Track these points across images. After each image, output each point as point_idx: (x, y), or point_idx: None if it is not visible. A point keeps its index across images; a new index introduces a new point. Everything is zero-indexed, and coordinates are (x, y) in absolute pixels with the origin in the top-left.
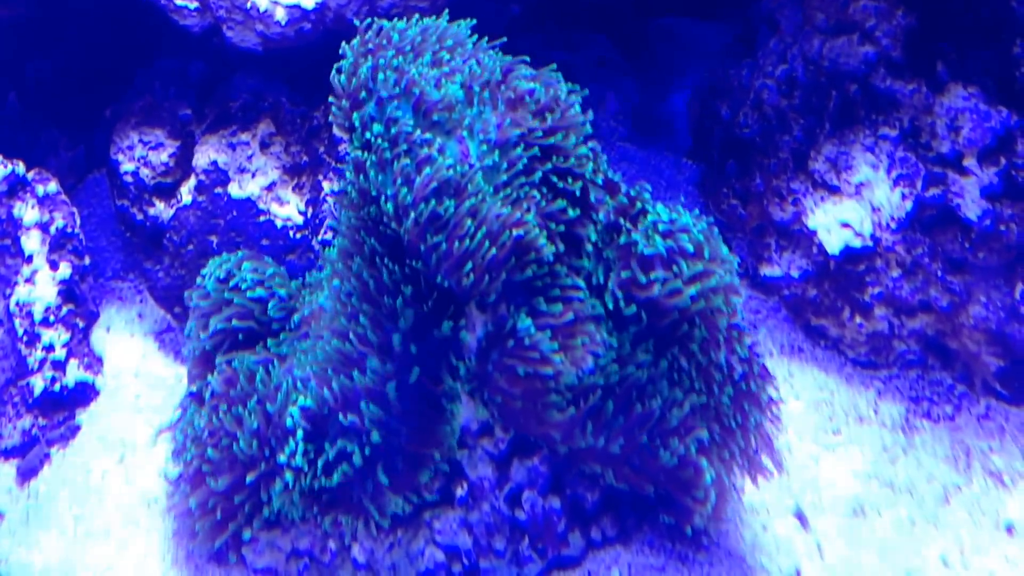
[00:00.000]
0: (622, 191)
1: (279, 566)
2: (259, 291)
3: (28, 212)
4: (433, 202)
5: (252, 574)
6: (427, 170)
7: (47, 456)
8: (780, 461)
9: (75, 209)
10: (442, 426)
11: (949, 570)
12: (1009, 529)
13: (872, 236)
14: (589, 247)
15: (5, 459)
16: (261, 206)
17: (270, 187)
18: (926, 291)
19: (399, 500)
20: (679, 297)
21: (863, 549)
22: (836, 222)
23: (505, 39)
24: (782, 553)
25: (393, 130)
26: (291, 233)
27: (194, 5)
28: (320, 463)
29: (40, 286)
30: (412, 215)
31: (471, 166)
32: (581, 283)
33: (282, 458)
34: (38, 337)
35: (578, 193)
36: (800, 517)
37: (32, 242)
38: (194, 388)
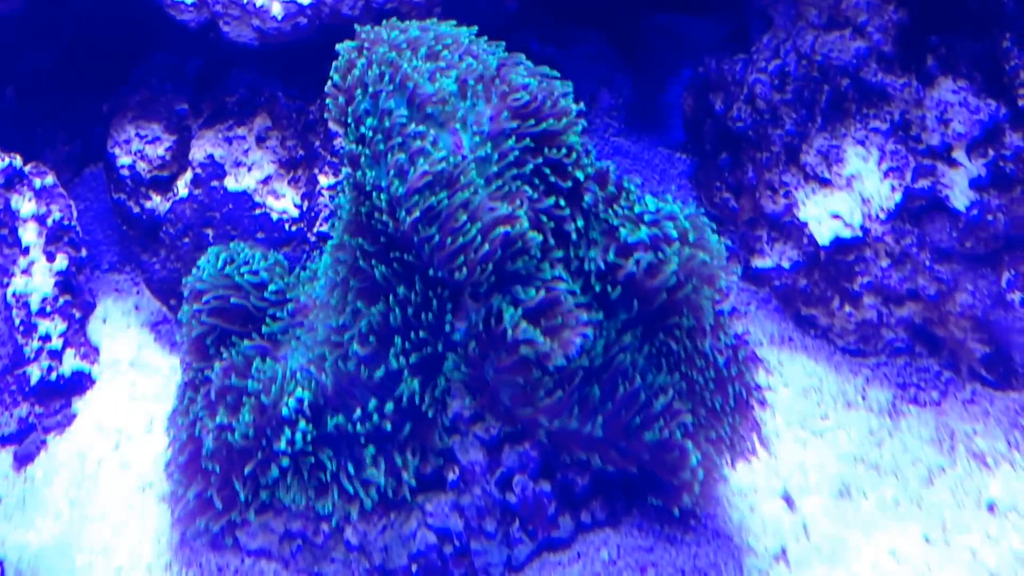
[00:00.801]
0: (611, 181)
1: (273, 548)
2: (255, 277)
3: (25, 204)
4: (427, 194)
5: (246, 556)
6: (420, 162)
7: (44, 443)
8: (765, 443)
9: (72, 202)
10: (435, 413)
11: (931, 547)
12: (991, 507)
13: (862, 227)
14: (576, 235)
15: (2, 446)
16: (257, 199)
17: (266, 180)
18: (914, 280)
19: (392, 483)
20: (661, 276)
21: (848, 528)
22: (827, 213)
23: (502, 35)
24: (769, 533)
25: (387, 123)
26: (286, 226)
27: (191, 0)
28: (315, 450)
29: (37, 277)
30: (405, 207)
31: (464, 158)
32: (564, 275)
33: (279, 447)
34: (35, 327)
35: (568, 183)
36: (787, 499)
37: (29, 234)
38: (189, 375)
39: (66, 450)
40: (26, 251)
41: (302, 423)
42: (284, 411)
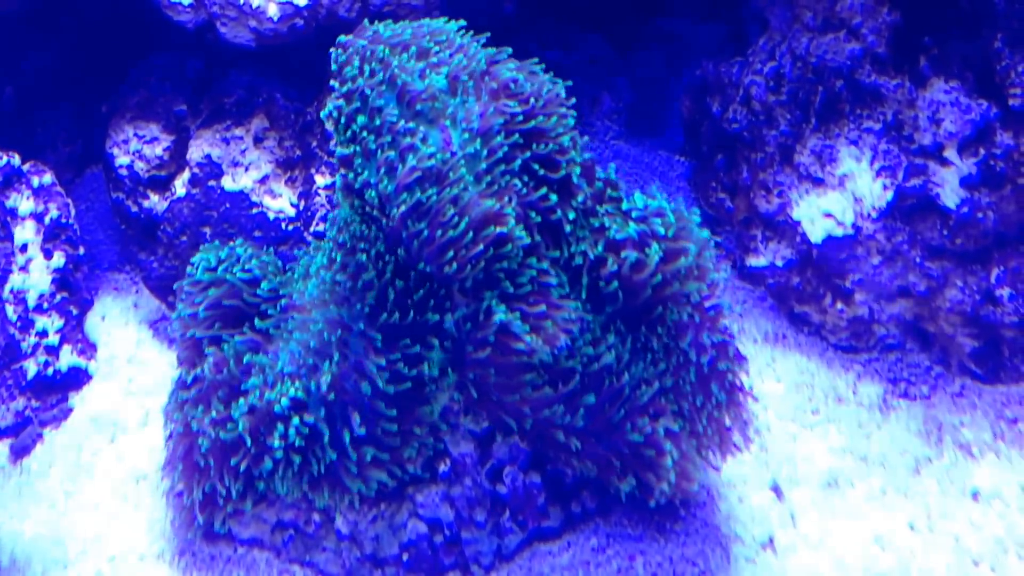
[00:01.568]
0: (599, 178)
1: (265, 537)
2: (248, 275)
3: (23, 202)
4: (416, 190)
5: (239, 545)
6: (410, 158)
7: (40, 436)
8: (750, 436)
9: (70, 200)
10: (424, 406)
11: (915, 534)
12: (975, 495)
13: (854, 225)
14: (566, 229)
15: None
16: (254, 198)
17: (263, 180)
18: (905, 277)
19: (383, 475)
20: (646, 272)
21: (834, 517)
22: (819, 212)
23: (501, 37)
24: (757, 523)
25: (377, 120)
26: (283, 225)
27: (188, 1)
28: (308, 444)
29: (34, 274)
30: (395, 203)
31: (453, 154)
32: (552, 270)
33: (272, 442)
34: (32, 323)
35: (558, 179)
36: (776, 490)
37: (27, 232)
38: (183, 370)
39: (62, 443)
40: (24, 248)
41: (295, 419)
42: (277, 408)
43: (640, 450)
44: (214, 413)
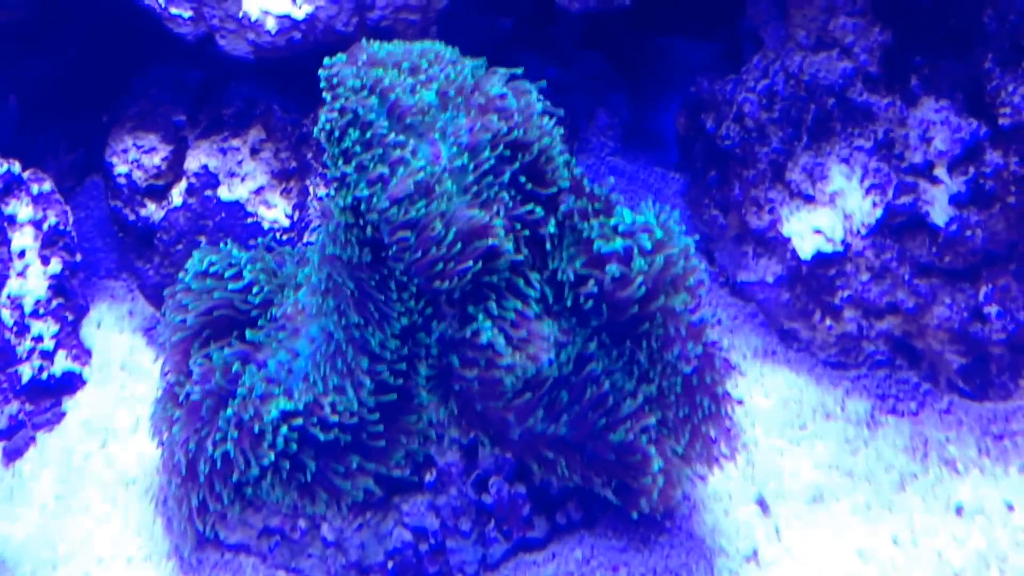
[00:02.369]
0: (587, 193)
1: (251, 543)
2: (240, 282)
3: (22, 209)
4: (406, 203)
5: (225, 550)
6: (400, 171)
7: (33, 439)
8: (736, 448)
9: (68, 208)
10: (411, 416)
11: (899, 549)
12: (959, 511)
13: (843, 242)
14: (551, 245)
15: None
16: (249, 209)
17: (259, 191)
18: (894, 294)
19: (369, 482)
20: (631, 288)
21: (819, 531)
22: (809, 229)
23: (498, 52)
24: (741, 536)
25: (368, 134)
26: (277, 235)
27: (188, 14)
28: (297, 452)
29: (31, 280)
30: (384, 216)
31: (442, 167)
32: (539, 283)
33: (260, 451)
34: (28, 328)
35: (546, 193)
36: (761, 504)
37: (25, 238)
38: (172, 377)
39: (54, 447)
40: (22, 254)
41: (284, 428)
42: (266, 418)
43: (625, 458)
44: (201, 423)
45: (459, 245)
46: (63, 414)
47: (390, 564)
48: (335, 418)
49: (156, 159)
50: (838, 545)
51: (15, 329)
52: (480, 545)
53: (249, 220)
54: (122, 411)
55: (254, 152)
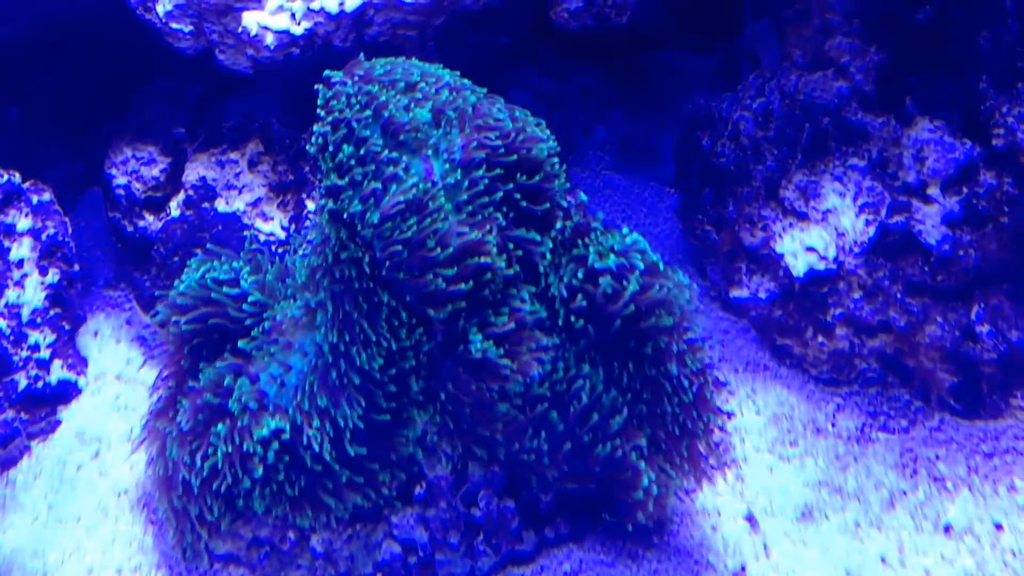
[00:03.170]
0: (582, 212)
1: (240, 553)
2: (235, 289)
3: (21, 220)
4: (398, 220)
5: (214, 560)
6: (393, 188)
7: (28, 448)
8: (727, 467)
9: (67, 219)
10: (402, 430)
11: (887, 568)
12: (947, 529)
13: (836, 260)
14: (545, 262)
15: None
16: (246, 221)
17: (255, 203)
18: (886, 312)
19: (358, 497)
20: (622, 303)
21: (807, 549)
22: (802, 247)
23: (496, 68)
24: (730, 552)
25: (362, 151)
26: (273, 247)
27: (188, 29)
28: (287, 467)
29: (29, 290)
30: (377, 232)
31: (434, 183)
32: (530, 298)
33: (251, 465)
34: (24, 337)
35: (539, 211)
36: (751, 520)
37: (23, 248)
38: (164, 388)
39: (48, 456)
40: (20, 264)
41: (275, 443)
42: (257, 434)
43: (615, 474)
44: (192, 436)
45: (452, 263)
46: (58, 423)
47: None
48: (327, 434)
49: (155, 171)
50: (826, 563)
51: (12, 338)
52: (469, 558)
53: (246, 233)
54: (116, 421)
55: (252, 165)
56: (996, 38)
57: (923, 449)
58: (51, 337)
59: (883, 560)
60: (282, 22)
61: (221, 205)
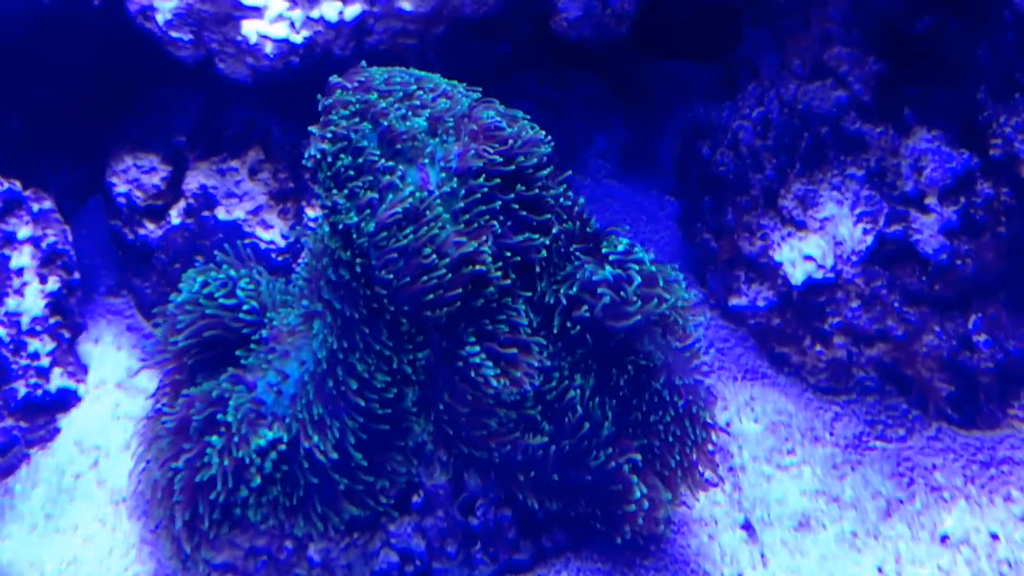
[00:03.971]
0: (579, 219)
1: (237, 562)
2: (232, 300)
3: (22, 228)
4: (394, 229)
5: (212, 570)
6: (390, 198)
7: (27, 456)
8: (721, 475)
9: (68, 227)
10: (399, 439)
11: None
12: (943, 539)
13: (834, 268)
14: (540, 270)
15: None
16: (247, 229)
17: (256, 211)
18: (883, 321)
19: (354, 509)
20: (623, 320)
21: (804, 559)
22: (800, 255)
23: (497, 76)
24: (727, 561)
25: (360, 160)
26: (273, 256)
27: (188, 38)
28: (284, 477)
29: (29, 298)
30: (373, 241)
31: (430, 192)
32: (525, 312)
33: (248, 475)
34: (24, 345)
35: (536, 220)
36: (748, 529)
37: (23, 256)
38: (160, 398)
39: (47, 465)
40: (20, 272)
41: (272, 453)
42: (254, 443)
43: (607, 486)
44: (189, 445)
45: (448, 272)
46: (57, 431)
47: None
48: (323, 445)
49: (155, 179)
50: (823, 573)
51: (11, 346)
52: (466, 567)
53: (246, 241)
54: (116, 429)
55: (252, 173)
56: (994, 49)
57: (920, 458)
58: (51, 345)
59: (880, 570)
60: (281, 31)
61: (221, 213)
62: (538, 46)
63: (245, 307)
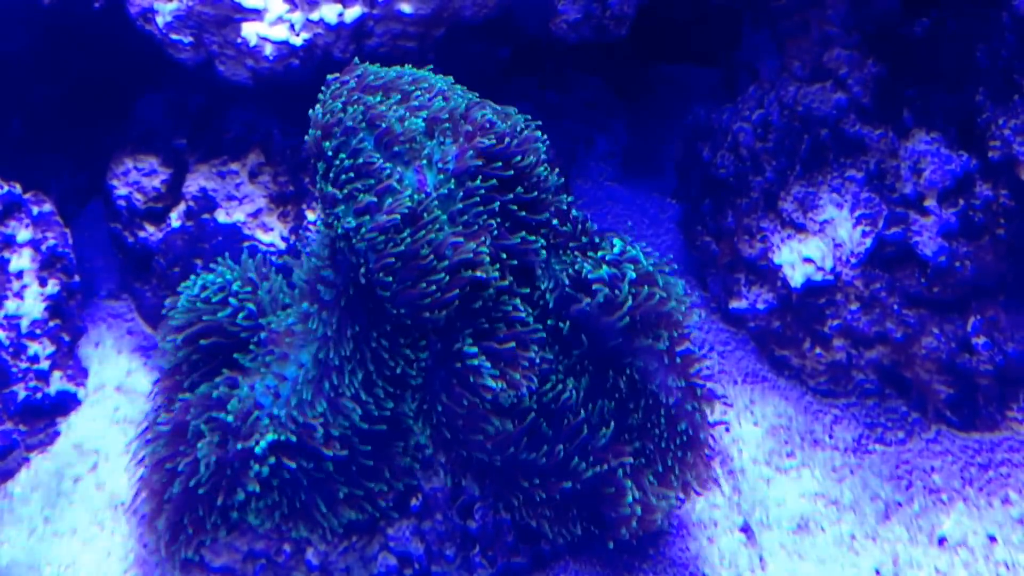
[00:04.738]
0: (575, 219)
1: (236, 566)
2: (229, 307)
3: (22, 231)
4: (392, 231)
5: (210, 573)
6: (388, 201)
7: (26, 460)
8: (717, 479)
9: (68, 229)
10: (397, 442)
11: None
12: (941, 541)
13: (833, 271)
14: (539, 272)
15: None
16: (246, 232)
17: (256, 214)
18: (883, 323)
19: (353, 513)
20: (616, 314)
21: (803, 561)
22: (800, 258)
23: (497, 80)
24: (726, 564)
25: (358, 161)
26: (273, 258)
27: (188, 40)
28: (282, 480)
29: (28, 301)
30: (371, 244)
31: (427, 194)
32: (522, 312)
33: (246, 479)
34: (24, 348)
35: (533, 220)
36: (747, 532)
37: (23, 259)
38: (160, 401)
39: (46, 468)
40: (19, 275)
41: (271, 458)
42: (252, 446)
43: (601, 489)
44: (188, 449)
45: (445, 275)
46: (57, 434)
47: None
48: (321, 448)
49: (155, 182)
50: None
51: (11, 349)
52: (465, 570)
53: (246, 243)
54: (115, 433)
55: (253, 176)
56: (993, 51)
57: (919, 461)
58: (50, 348)
59: (878, 572)
60: (281, 33)
61: (221, 216)
62: (539, 50)
63: (241, 313)
